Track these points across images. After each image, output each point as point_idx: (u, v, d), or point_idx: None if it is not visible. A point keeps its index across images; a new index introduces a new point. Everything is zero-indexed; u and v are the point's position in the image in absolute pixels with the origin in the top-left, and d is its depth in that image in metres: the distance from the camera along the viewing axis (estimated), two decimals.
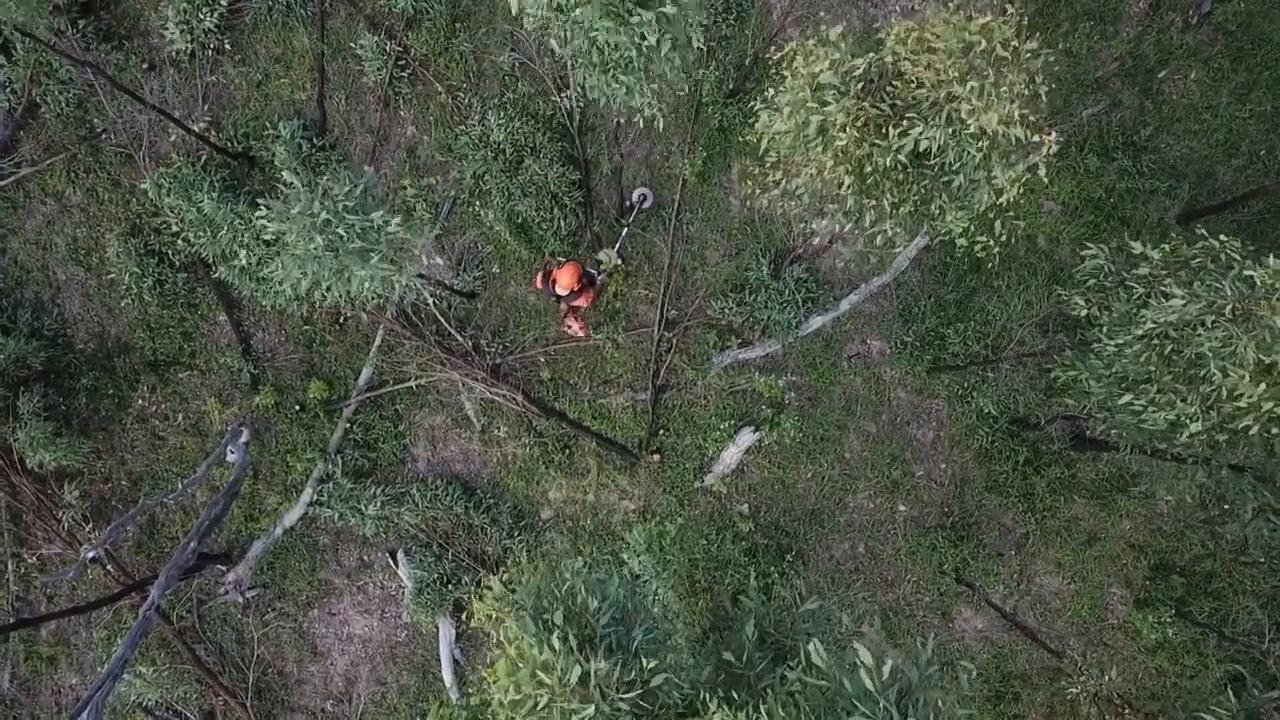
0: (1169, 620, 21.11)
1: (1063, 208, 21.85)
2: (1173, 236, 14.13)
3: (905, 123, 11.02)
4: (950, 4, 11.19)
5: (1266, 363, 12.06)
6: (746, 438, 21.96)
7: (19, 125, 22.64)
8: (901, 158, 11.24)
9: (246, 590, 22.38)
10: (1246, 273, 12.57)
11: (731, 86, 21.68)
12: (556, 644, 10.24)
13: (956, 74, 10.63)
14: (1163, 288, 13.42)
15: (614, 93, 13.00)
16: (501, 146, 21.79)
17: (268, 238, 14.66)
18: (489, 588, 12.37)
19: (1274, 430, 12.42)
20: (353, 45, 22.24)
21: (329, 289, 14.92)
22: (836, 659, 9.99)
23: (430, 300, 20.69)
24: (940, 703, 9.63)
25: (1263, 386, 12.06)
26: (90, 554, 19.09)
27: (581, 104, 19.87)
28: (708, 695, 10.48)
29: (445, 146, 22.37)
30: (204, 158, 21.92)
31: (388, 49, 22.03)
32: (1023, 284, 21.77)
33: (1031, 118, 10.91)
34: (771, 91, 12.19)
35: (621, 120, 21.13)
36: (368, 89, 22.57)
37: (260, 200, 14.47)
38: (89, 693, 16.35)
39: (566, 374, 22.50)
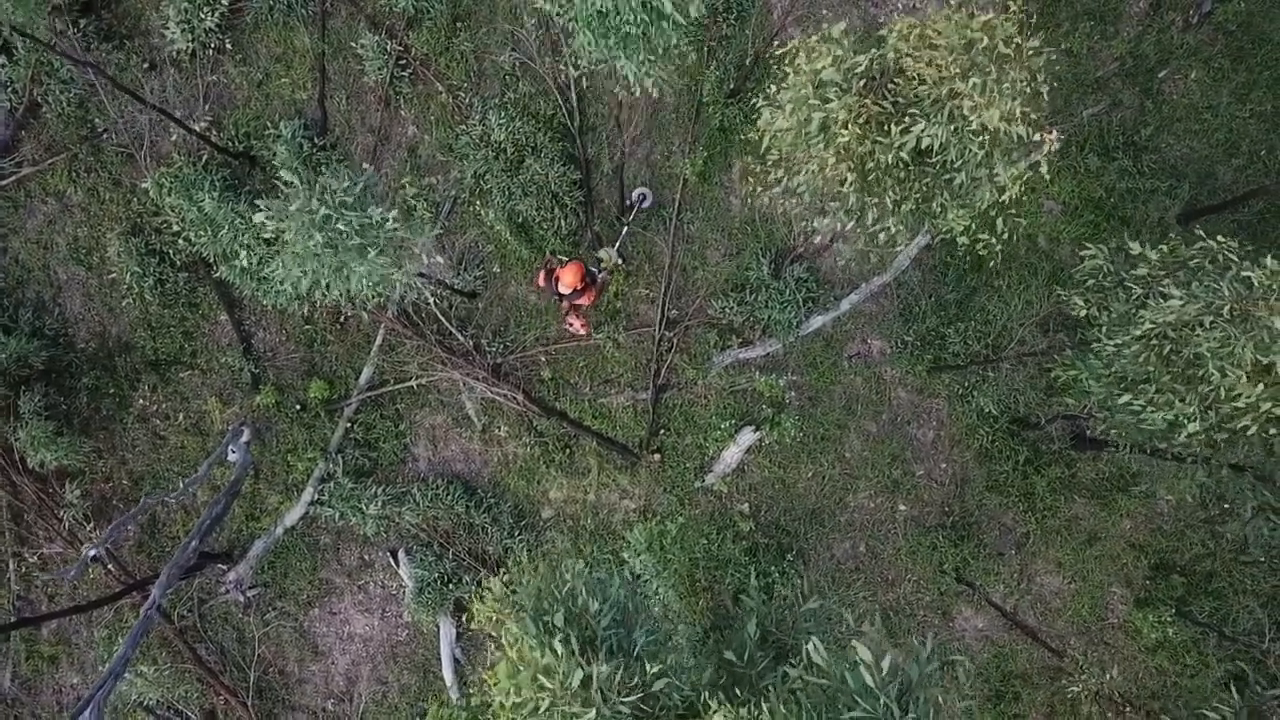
0: (1169, 620, 21.12)
1: (1063, 207, 21.85)
2: (1172, 237, 14.14)
3: (907, 120, 11.02)
4: (952, 1, 11.16)
5: (1264, 363, 12.06)
6: (747, 437, 21.97)
7: (20, 125, 22.65)
8: (903, 155, 11.24)
9: (247, 589, 22.40)
10: (1244, 273, 12.58)
11: (732, 86, 21.69)
12: (558, 648, 10.25)
13: (958, 71, 10.64)
14: (1161, 288, 13.43)
15: (613, 55, 12.99)
16: (502, 146, 21.80)
17: (268, 236, 14.65)
18: (489, 590, 12.39)
19: (1272, 430, 12.42)
20: (354, 45, 22.25)
21: (329, 287, 14.91)
22: (837, 656, 10.01)
23: (431, 300, 20.69)
24: (940, 699, 9.66)
25: (1260, 387, 12.06)
26: (91, 553, 19.09)
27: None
28: (709, 695, 10.49)
29: (446, 146, 22.38)
30: (205, 157, 21.93)
31: (389, 48, 22.03)
32: (1023, 283, 21.78)
33: (1033, 115, 10.91)
34: (774, 88, 12.19)
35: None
36: (369, 88, 22.58)
37: (259, 200, 14.48)
38: (91, 691, 16.36)
39: (567, 373, 22.52)
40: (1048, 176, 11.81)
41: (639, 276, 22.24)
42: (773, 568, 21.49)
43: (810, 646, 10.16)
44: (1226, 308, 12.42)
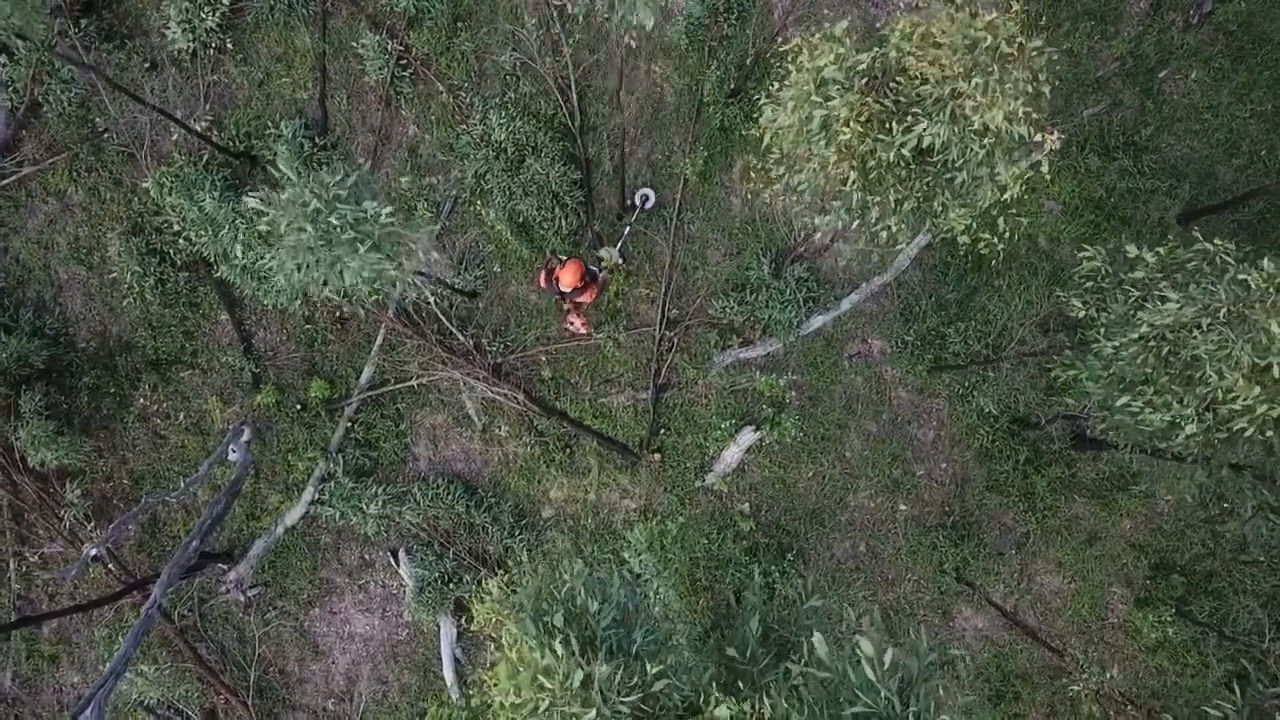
0: (1169, 619, 21.12)
1: (1063, 207, 21.87)
2: (1171, 238, 14.14)
3: (909, 119, 11.03)
4: (955, 0, 11.17)
5: (1261, 365, 12.06)
6: (747, 437, 21.98)
7: (21, 124, 22.65)
8: (905, 153, 11.25)
9: (248, 589, 22.41)
10: (1241, 276, 12.58)
11: (733, 86, 21.70)
12: (558, 648, 10.25)
13: (961, 70, 10.64)
14: (1158, 291, 13.43)
15: None
16: (503, 146, 21.80)
17: (263, 228, 14.60)
18: (489, 591, 12.41)
19: (1269, 433, 12.42)
20: (354, 44, 22.27)
21: (324, 283, 14.87)
22: (839, 651, 10.04)
23: (432, 299, 20.70)
24: (941, 690, 9.69)
25: (1258, 389, 12.07)
26: (92, 552, 19.10)
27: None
28: (709, 690, 10.51)
29: (447, 146, 22.40)
30: (206, 157, 21.95)
31: (389, 48, 22.05)
32: (1023, 283, 21.80)
33: (1035, 115, 10.91)
34: (776, 85, 12.20)
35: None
36: (369, 88, 22.59)
37: (253, 191, 14.46)
38: (92, 691, 16.37)
39: (568, 373, 22.53)
40: (1048, 176, 11.82)
41: (639, 276, 22.24)
42: (773, 567, 21.49)
43: (815, 640, 10.20)
44: (1223, 310, 12.43)
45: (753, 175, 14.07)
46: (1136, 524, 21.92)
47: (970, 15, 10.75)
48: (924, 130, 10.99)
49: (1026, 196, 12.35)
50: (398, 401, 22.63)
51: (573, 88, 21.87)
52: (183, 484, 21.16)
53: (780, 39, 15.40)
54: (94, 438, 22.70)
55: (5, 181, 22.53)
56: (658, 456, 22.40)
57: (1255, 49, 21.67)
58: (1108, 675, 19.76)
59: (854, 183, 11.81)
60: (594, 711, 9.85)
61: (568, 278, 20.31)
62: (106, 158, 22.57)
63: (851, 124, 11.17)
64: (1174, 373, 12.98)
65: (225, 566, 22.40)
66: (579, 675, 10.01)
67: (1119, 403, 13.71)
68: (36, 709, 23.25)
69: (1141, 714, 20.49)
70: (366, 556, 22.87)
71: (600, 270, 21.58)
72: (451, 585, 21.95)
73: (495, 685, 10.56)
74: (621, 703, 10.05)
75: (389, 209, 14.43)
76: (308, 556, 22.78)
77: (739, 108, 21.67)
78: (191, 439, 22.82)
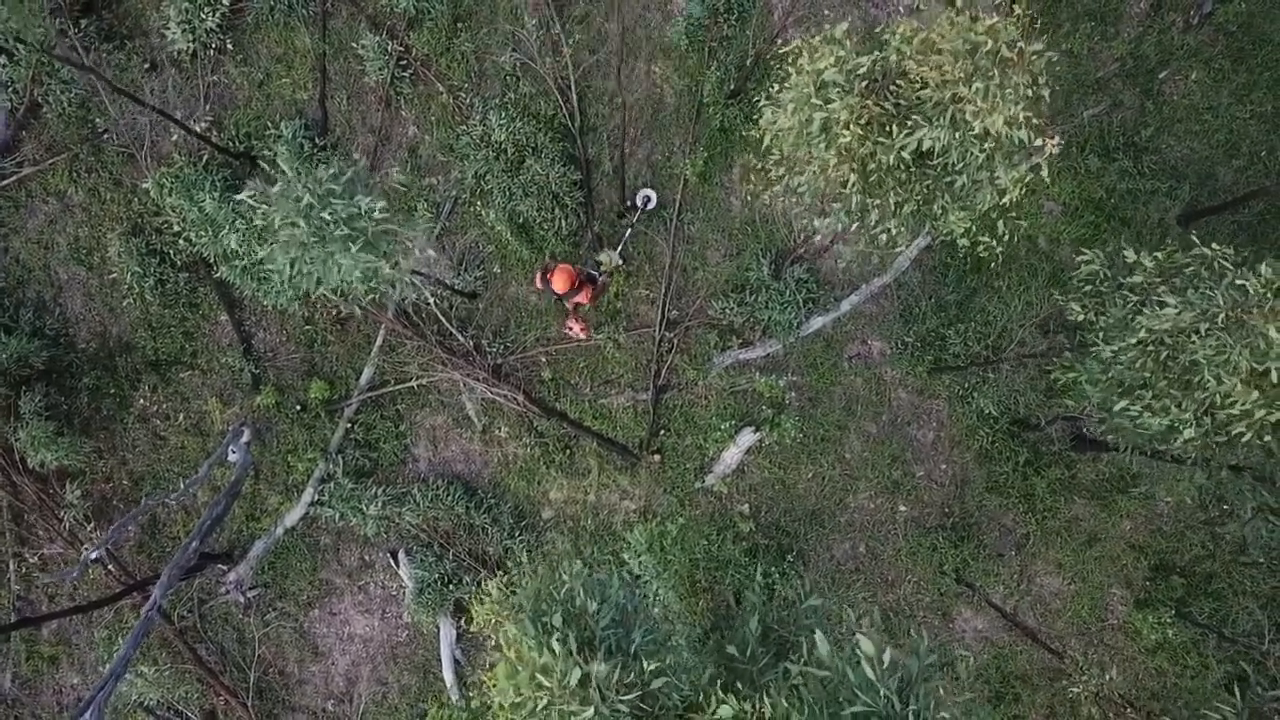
0: (1169, 621, 21.11)
1: (1063, 208, 21.86)
2: (1169, 242, 14.14)
3: (910, 123, 11.02)
4: (957, 2, 11.15)
5: (1260, 370, 12.05)
6: (747, 438, 21.97)
7: (21, 125, 22.66)
8: (905, 156, 11.24)
9: (248, 590, 22.40)
10: (1239, 282, 12.56)
11: (732, 87, 21.70)
12: (556, 646, 10.27)
13: (961, 75, 10.63)
14: (1157, 295, 13.42)
15: None
16: (503, 146, 21.80)
17: (259, 222, 14.57)
18: (488, 593, 12.42)
19: (1267, 437, 12.42)
20: (354, 45, 22.27)
21: (319, 282, 14.84)
22: (839, 651, 10.05)
23: (431, 300, 20.69)
24: (941, 689, 9.70)
25: (1256, 394, 12.06)
26: (92, 554, 19.12)
27: None
28: (710, 690, 10.52)
29: (447, 146, 22.40)
30: (206, 157, 21.94)
31: (389, 49, 22.05)
32: (1023, 285, 21.79)
33: (1035, 121, 10.91)
34: (776, 87, 12.20)
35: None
36: (369, 89, 22.59)
37: (247, 184, 14.44)
38: (91, 693, 16.36)
39: (567, 374, 22.52)
40: (1048, 179, 11.81)
41: (639, 277, 22.24)
42: (773, 568, 21.48)
43: (816, 638, 10.22)
44: (1221, 316, 12.42)
45: (752, 177, 14.08)
46: (1136, 525, 21.91)
47: (970, 19, 10.74)
48: (924, 134, 10.98)
49: (1026, 199, 12.35)
50: (397, 402, 22.63)
51: (573, 88, 21.88)
52: (182, 485, 21.16)
53: (780, 40, 15.37)
54: (94, 438, 22.70)
55: (5, 182, 22.53)
56: (657, 458, 22.40)
57: (1255, 50, 21.66)
58: (1107, 677, 19.76)
59: (854, 185, 11.80)
60: (592, 710, 9.85)
61: (558, 282, 20.29)
62: (106, 158, 22.57)
63: (851, 127, 11.16)
64: (1172, 377, 12.98)
65: (225, 567, 22.39)
66: (576, 673, 10.02)
67: (1117, 407, 13.71)
68: (36, 710, 23.25)
69: (1141, 716, 20.50)
70: (366, 557, 22.87)
71: (600, 274, 21.56)
72: (451, 586, 21.94)
73: (494, 686, 10.57)
74: (620, 701, 10.06)
75: (382, 203, 14.38)
76: (307, 557, 22.78)
77: (739, 108, 21.67)
78: (191, 440, 22.82)
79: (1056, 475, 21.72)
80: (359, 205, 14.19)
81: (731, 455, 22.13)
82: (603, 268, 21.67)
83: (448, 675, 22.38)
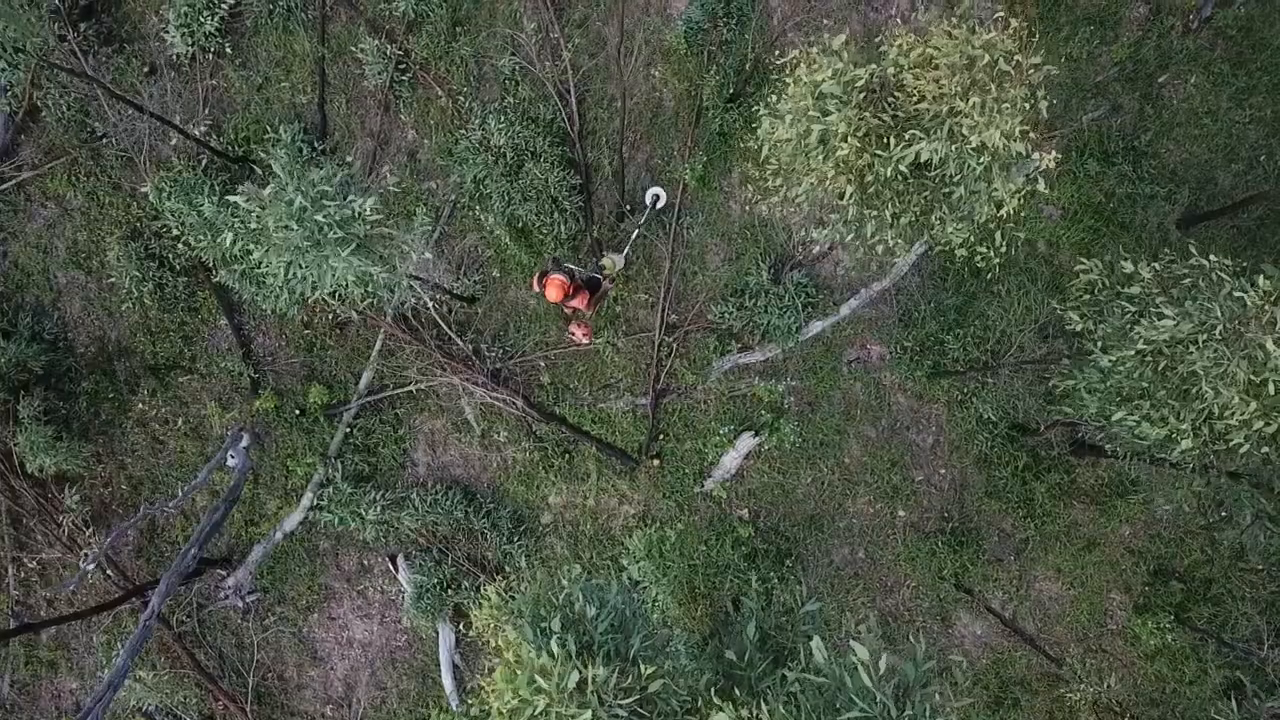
0: (1168, 626, 21.10)
1: (1063, 213, 21.85)
2: (1167, 251, 14.10)
3: (907, 136, 11.00)
4: (955, 11, 11.14)
5: (1258, 381, 12.04)
6: (746, 443, 21.95)
7: (20, 129, 22.67)
8: (902, 169, 11.22)
9: (246, 595, 22.40)
10: (1237, 294, 12.54)
11: (732, 91, 21.69)
12: (555, 649, 10.29)
13: (959, 89, 10.61)
14: (1155, 307, 13.40)
15: None
16: (502, 150, 21.78)
17: (253, 225, 14.54)
18: (487, 597, 12.42)
19: (1265, 449, 12.40)
20: (353, 49, 22.26)
21: (313, 287, 14.80)
22: (837, 656, 10.08)
23: (430, 305, 20.69)
24: (938, 695, 9.72)
25: (1254, 405, 12.04)
26: (89, 565, 19.09)
27: None
28: (707, 696, 10.54)
29: (446, 150, 22.39)
30: (204, 161, 21.92)
31: (388, 53, 22.03)
32: (1022, 289, 21.73)
33: (1032, 134, 10.89)
34: (774, 98, 12.18)
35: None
36: (368, 93, 22.59)
37: (239, 187, 14.42)
38: (89, 704, 16.31)
39: (566, 378, 22.51)
40: (1045, 190, 11.78)
41: (639, 281, 22.21)
42: (771, 573, 21.48)
43: (814, 644, 10.24)
44: (1219, 328, 12.40)
45: (751, 188, 14.06)
46: (1135, 530, 21.89)
47: (968, 32, 10.71)
48: (922, 147, 10.96)
49: (1024, 211, 12.32)
50: (396, 407, 22.61)
51: (572, 92, 21.87)
52: (180, 493, 21.15)
53: (778, 52, 15.34)
54: (92, 443, 22.69)
55: (4, 186, 22.54)
56: (656, 462, 22.38)
57: (1254, 54, 21.64)
58: (1105, 685, 19.72)
59: (851, 197, 11.79)
60: (589, 713, 9.87)
61: (550, 293, 20.19)
62: (105, 162, 22.55)
63: (849, 139, 11.14)
64: (1171, 387, 12.96)
65: (224, 572, 22.40)
66: (574, 676, 10.04)
67: (1116, 416, 13.69)
68: (35, 715, 23.25)
69: None
70: (365, 562, 22.86)
71: (604, 278, 21.46)
72: (450, 591, 21.94)
73: (493, 691, 10.58)
74: (618, 705, 10.08)
75: (373, 200, 14.34)
76: (306, 562, 22.77)
77: (738, 113, 21.66)
78: (190, 444, 22.81)
79: (1055, 480, 21.70)
80: (352, 207, 14.16)
81: (731, 460, 22.11)
82: (605, 271, 21.59)
83: (446, 680, 22.36)
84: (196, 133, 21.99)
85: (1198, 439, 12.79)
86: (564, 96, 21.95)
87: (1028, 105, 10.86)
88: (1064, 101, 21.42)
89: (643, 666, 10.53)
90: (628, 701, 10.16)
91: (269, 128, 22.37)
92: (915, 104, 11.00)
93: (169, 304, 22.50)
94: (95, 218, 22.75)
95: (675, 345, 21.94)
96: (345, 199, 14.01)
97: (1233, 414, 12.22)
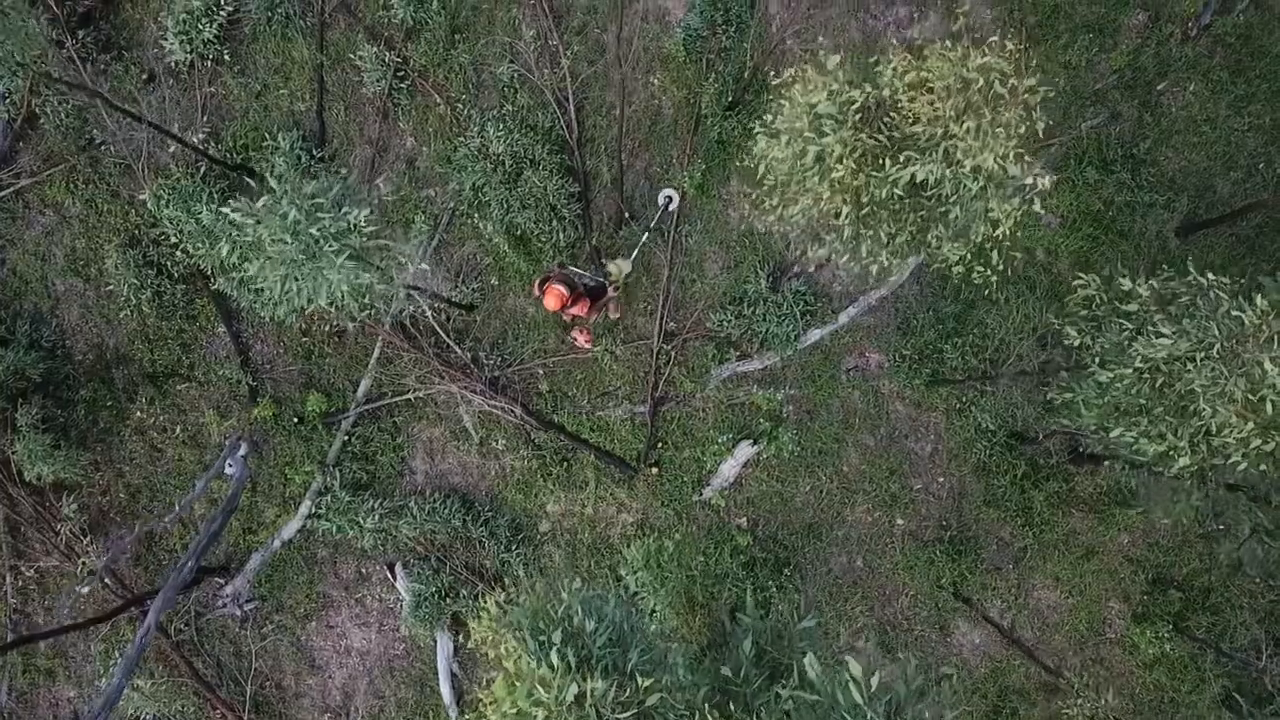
0: (1167, 635, 21.08)
1: (1061, 220, 21.84)
2: (1164, 268, 14.08)
3: (903, 159, 10.99)
4: (954, 25, 11.11)
5: (1255, 399, 12.02)
6: (745, 451, 21.95)
7: (18, 136, 22.63)
8: (898, 190, 11.21)
9: (244, 603, 22.40)
10: (1235, 313, 12.53)
11: (730, 99, 21.67)
12: (555, 660, 10.32)
13: (954, 113, 10.59)
14: (1152, 325, 13.38)
15: None
16: (501, 158, 21.76)
17: (248, 238, 14.52)
18: (486, 610, 12.41)
19: (1263, 467, 12.40)
20: (352, 56, 22.23)
21: (309, 301, 14.78)
22: (830, 673, 10.11)
23: (429, 312, 20.68)
24: (928, 714, 9.74)
25: (1251, 424, 12.04)
26: (84, 589, 19.13)
27: None
28: (704, 711, 10.56)
29: (444, 158, 22.37)
30: (203, 169, 21.92)
31: (387, 60, 22.00)
32: (1021, 297, 21.70)
33: (1028, 158, 10.87)
34: (770, 117, 12.18)
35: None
36: (367, 100, 22.57)
37: (232, 200, 14.40)
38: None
39: (565, 386, 22.50)
40: (1042, 211, 11.76)
41: (637, 289, 22.22)
42: (770, 582, 21.49)
43: (806, 661, 10.27)
44: (1217, 347, 12.39)
45: (748, 206, 14.08)
46: (1134, 538, 21.89)
47: (963, 54, 10.69)
48: (917, 169, 10.95)
49: (1020, 232, 12.30)
50: (395, 415, 22.60)
51: (570, 100, 21.86)
52: (177, 508, 21.18)
53: (773, 73, 15.34)
54: (90, 451, 22.65)
55: (2, 193, 22.50)
56: (655, 470, 22.38)
57: (1254, 62, 21.63)
58: (1103, 701, 19.73)
59: (846, 216, 11.78)
60: None
61: (548, 302, 20.10)
62: (104, 170, 22.53)
63: (845, 160, 11.13)
64: (1168, 404, 12.95)
65: (222, 581, 22.41)
66: (572, 689, 10.07)
67: (1114, 433, 13.68)
68: None
69: None
70: (363, 570, 22.84)
71: (609, 284, 21.40)
72: (448, 600, 21.92)
73: (492, 705, 10.59)
74: (616, 718, 10.10)
75: (368, 211, 14.31)
76: (304, 570, 22.75)
77: (737, 120, 21.66)
78: (188, 452, 22.79)
79: (1054, 488, 21.68)
80: (347, 219, 14.12)
81: (729, 468, 22.11)
82: (611, 279, 21.52)
83: (444, 689, 22.36)
84: (195, 140, 21.98)
85: (1195, 456, 12.78)
86: (562, 104, 21.95)
87: (1024, 128, 10.85)
88: (1063, 109, 21.41)
89: (641, 680, 10.56)
90: (626, 715, 10.19)
91: (267, 135, 22.35)
92: (911, 125, 10.99)
93: (167, 311, 22.47)
94: (94, 225, 22.73)
95: (674, 353, 21.93)
96: (340, 211, 13.96)
97: (1230, 432, 12.21)
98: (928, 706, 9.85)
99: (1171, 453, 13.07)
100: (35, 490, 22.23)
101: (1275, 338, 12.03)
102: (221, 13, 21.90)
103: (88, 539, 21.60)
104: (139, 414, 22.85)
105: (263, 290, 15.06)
